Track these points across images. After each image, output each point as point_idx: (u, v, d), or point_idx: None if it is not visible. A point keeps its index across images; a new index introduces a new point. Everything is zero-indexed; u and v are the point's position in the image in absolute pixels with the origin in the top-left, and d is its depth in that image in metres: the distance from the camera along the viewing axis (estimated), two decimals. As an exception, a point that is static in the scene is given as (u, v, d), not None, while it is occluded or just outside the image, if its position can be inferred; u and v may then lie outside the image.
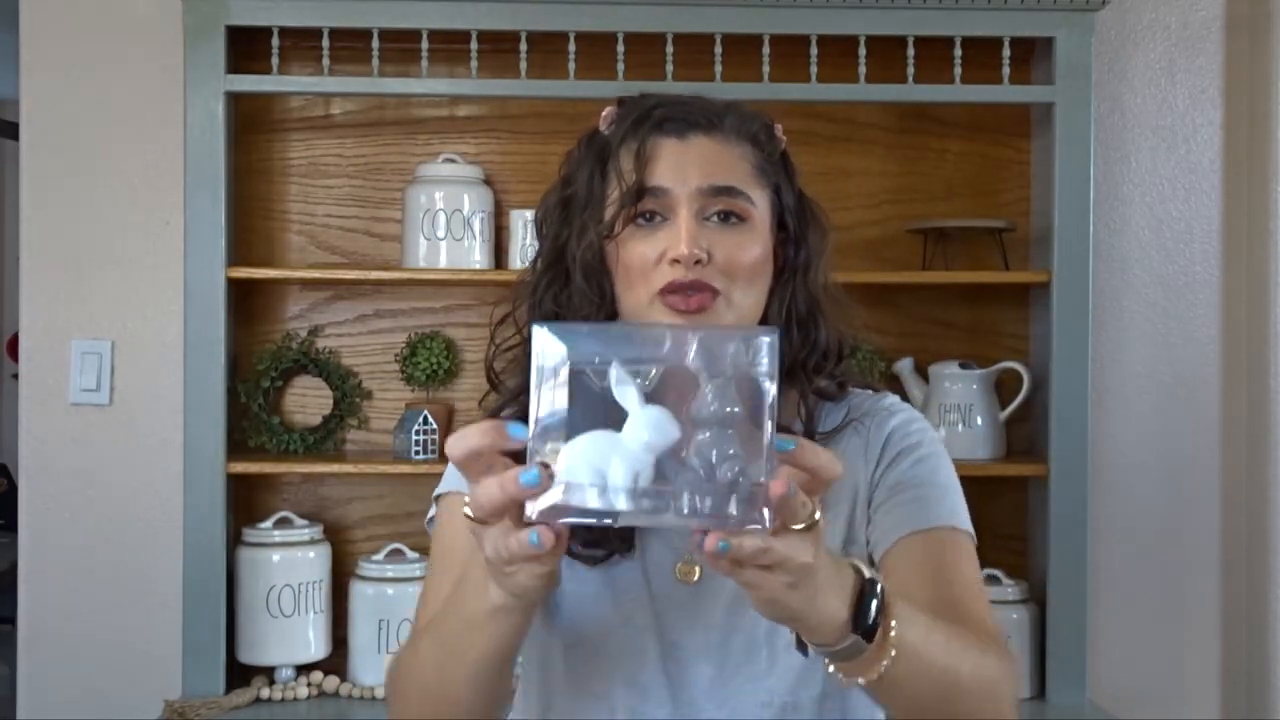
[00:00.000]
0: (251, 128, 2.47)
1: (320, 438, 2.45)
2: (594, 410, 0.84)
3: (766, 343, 0.83)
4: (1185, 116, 2.55)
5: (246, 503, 2.45)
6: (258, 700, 2.27)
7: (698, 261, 1.10)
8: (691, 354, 0.83)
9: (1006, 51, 2.32)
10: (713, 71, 2.27)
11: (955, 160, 2.55)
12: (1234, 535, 2.55)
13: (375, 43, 2.27)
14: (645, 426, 0.82)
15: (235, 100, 2.35)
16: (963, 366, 2.43)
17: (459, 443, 0.87)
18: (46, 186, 2.43)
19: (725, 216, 1.13)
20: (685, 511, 0.81)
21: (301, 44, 2.39)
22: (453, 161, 2.39)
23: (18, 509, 2.45)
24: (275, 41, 2.28)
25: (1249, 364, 2.54)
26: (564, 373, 0.83)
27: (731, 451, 0.82)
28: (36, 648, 2.43)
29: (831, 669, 0.94)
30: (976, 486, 2.22)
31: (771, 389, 0.82)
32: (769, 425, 0.82)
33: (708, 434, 0.82)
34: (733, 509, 0.81)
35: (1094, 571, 2.40)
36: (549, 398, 0.84)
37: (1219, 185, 2.56)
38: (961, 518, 1.17)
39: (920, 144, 2.54)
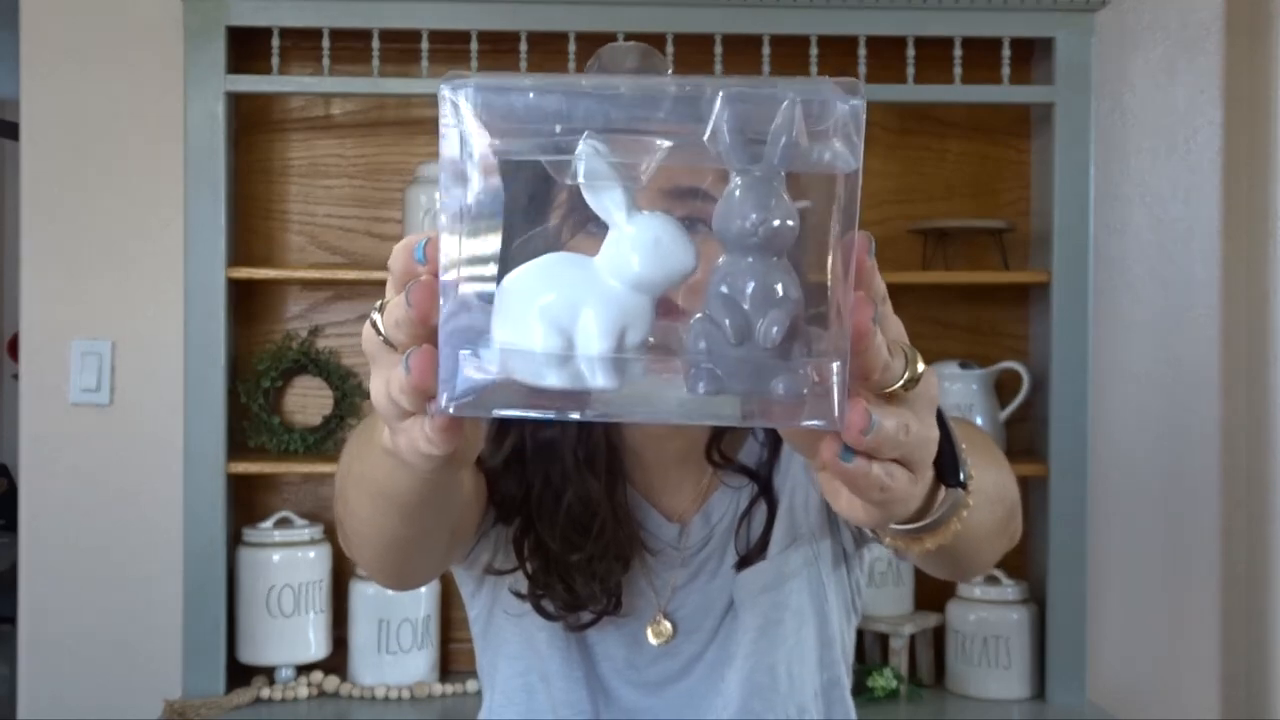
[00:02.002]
0: (251, 128, 2.47)
1: (320, 438, 2.45)
2: (546, 223, 0.55)
3: (848, 107, 0.52)
4: (1185, 117, 2.55)
5: (246, 503, 2.45)
6: (258, 700, 2.27)
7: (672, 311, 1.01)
8: (713, 124, 0.51)
9: (1006, 51, 2.32)
10: (713, 71, 2.27)
11: (955, 160, 2.55)
12: (1234, 535, 2.55)
13: (375, 43, 2.27)
14: (637, 249, 0.52)
15: (235, 100, 2.35)
16: (963, 366, 2.43)
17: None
18: (46, 186, 2.43)
19: (692, 224, 1.08)
20: (699, 393, 0.52)
21: (301, 44, 2.39)
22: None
23: (18, 509, 2.45)
24: (275, 42, 2.28)
25: (1249, 364, 2.54)
26: (492, 158, 0.52)
27: (780, 293, 0.52)
28: (36, 648, 2.43)
29: (888, 541, 0.76)
30: (976, 486, 2.23)
31: (856, 182, 0.53)
32: (851, 247, 0.52)
33: (740, 261, 0.52)
34: (780, 388, 0.51)
35: (1094, 571, 2.40)
36: (468, 213, 0.52)
37: (1219, 185, 2.56)
38: None
39: (920, 144, 2.54)
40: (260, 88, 2.33)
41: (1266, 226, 2.50)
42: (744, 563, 1.13)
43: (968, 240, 2.50)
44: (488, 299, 0.53)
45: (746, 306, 0.51)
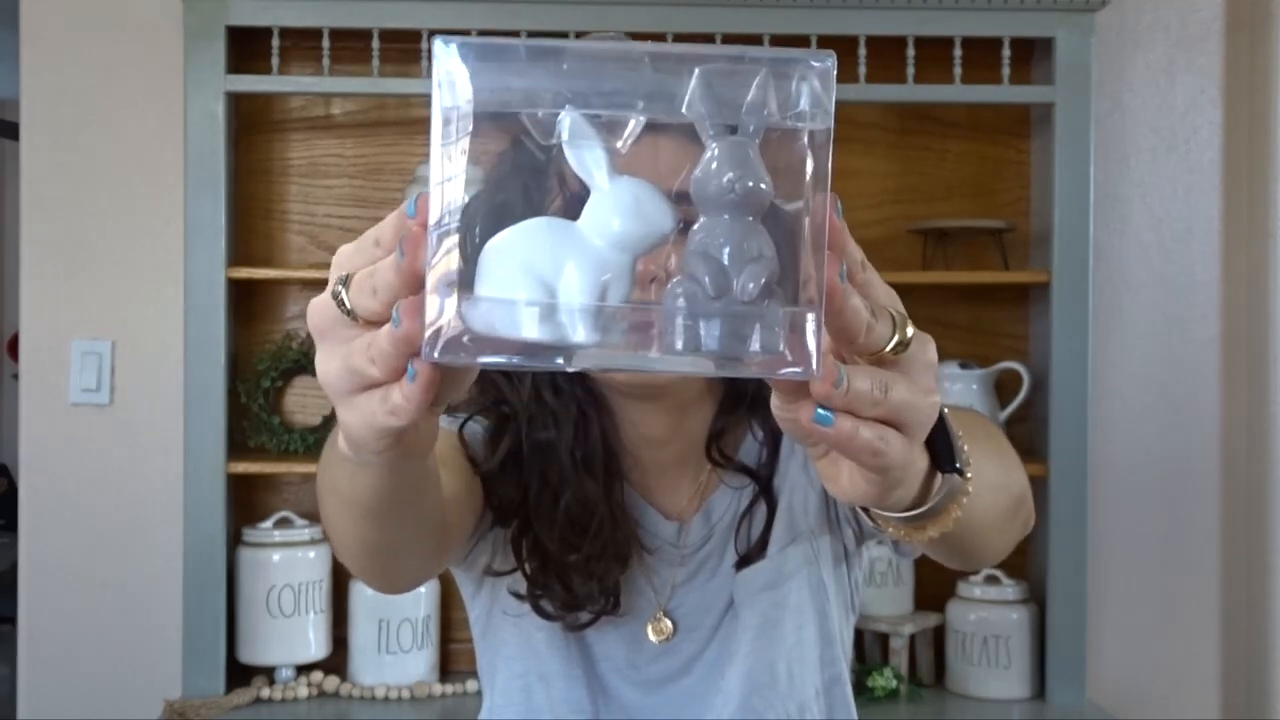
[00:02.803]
0: (251, 128, 2.47)
1: (320, 438, 2.44)
2: (532, 187, 0.57)
3: (818, 69, 0.54)
4: (1185, 116, 2.55)
5: (246, 503, 2.45)
6: (258, 700, 2.27)
7: (653, 280, 1.04)
8: (690, 95, 0.54)
9: (1006, 51, 2.32)
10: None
11: (955, 160, 2.55)
12: (1234, 535, 2.55)
13: (375, 43, 2.27)
14: (618, 209, 0.54)
15: (235, 100, 2.35)
16: (963, 367, 2.43)
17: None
18: (46, 186, 2.43)
19: (687, 228, 1.07)
20: (679, 347, 0.53)
21: (301, 44, 2.39)
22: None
23: (18, 509, 2.45)
24: (275, 41, 2.28)
25: (1249, 364, 2.54)
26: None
27: (756, 250, 0.53)
28: (36, 648, 2.43)
29: (890, 529, 0.76)
30: (976, 486, 2.23)
31: (826, 145, 0.54)
32: (823, 207, 0.54)
33: (718, 222, 0.54)
34: (756, 342, 0.53)
35: (1094, 571, 2.40)
36: (457, 167, 0.55)
37: (1219, 185, 2.56)
38: None
39: (920, 144, 2.54)
40: (260, 88, 2.33)
41: (1266, 226, 2.50)
42: (744, 561, 1.13)
43: (968, 240, 2.50)
44: (473, 254, 0.55)
45: (725, 263, 0.53)
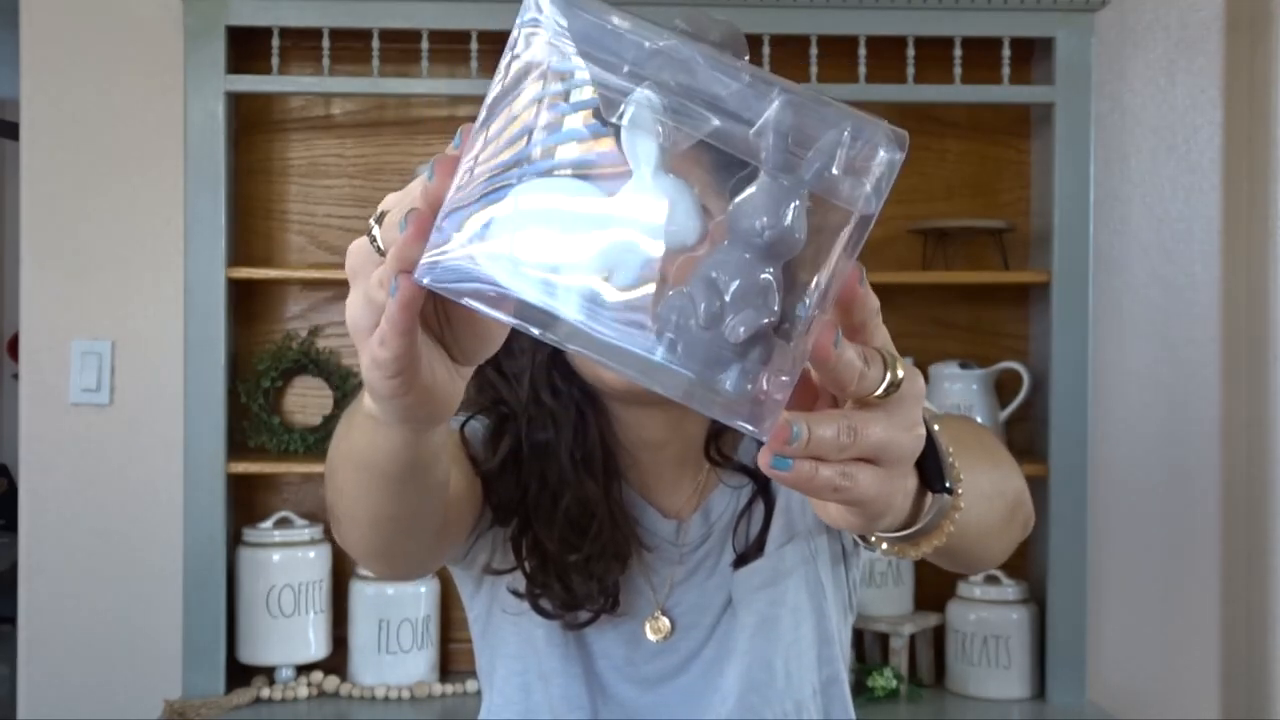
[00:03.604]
0: (251, 128, 2.47)
1: (320, 438, 2.44)
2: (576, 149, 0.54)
3: (887, 159, 0.53)
4: (1185, 116, 2.55)
5: (246, 503, 2.45)
6: (258, 700, 2.27)
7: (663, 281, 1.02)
8: (764, 120, 0.52)
9: (1006, 51, 2.32)
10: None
11: (955, 160, 2.55)
12: (1234, 535, 2.55)
13: (375, 43, 2.27)
14: (651, 205, 0.52)
15: (235, 100, 2.35)
16: (963, 367, 2.43)
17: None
18: (46, 186, 2.43)
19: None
20: (656, 357, 0.53)
21: (301, 44, 2.39)
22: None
23: (18, 509, 2.45)
24: (275, 42, 2.28)
25: (1249, 364, 2.54)
26: (556, 80, 0.52)
27: (761, 299, 0.52)
28: (36, 648, 2.43)
29: (884, 548, 0.75)
30: (976, 486, 2.23)
31: (868, 222, 0.54)
32: (832, 271, 0.53)
33: (737, 256, 0.52)
34: (727, 383, 0.53)
35: (1094, 571, 2.40)
36: (510, 116, 0.52)
37: (1219, 185, 2.56)
38: None
39: (920, 144, 2.54)
40: (260, 88, 2.33)
41: (1266, 226, 2.50)
42: (741, 560, 1.13)
43: (968, 240, 2.50)
44: (497, 197, 0.54)
45: (726, 298, 0.52)
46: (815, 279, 0.54)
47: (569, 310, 0.52)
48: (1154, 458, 2.54)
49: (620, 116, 0.52)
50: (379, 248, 0.59)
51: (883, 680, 2.29)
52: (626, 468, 1.14)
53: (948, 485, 0.72)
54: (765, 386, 0.54)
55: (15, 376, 4.34)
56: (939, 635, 2.44)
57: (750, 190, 0.53)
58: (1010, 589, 2.36)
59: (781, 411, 0.55)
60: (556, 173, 0.53)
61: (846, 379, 0.59)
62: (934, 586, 2.44)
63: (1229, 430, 2.55)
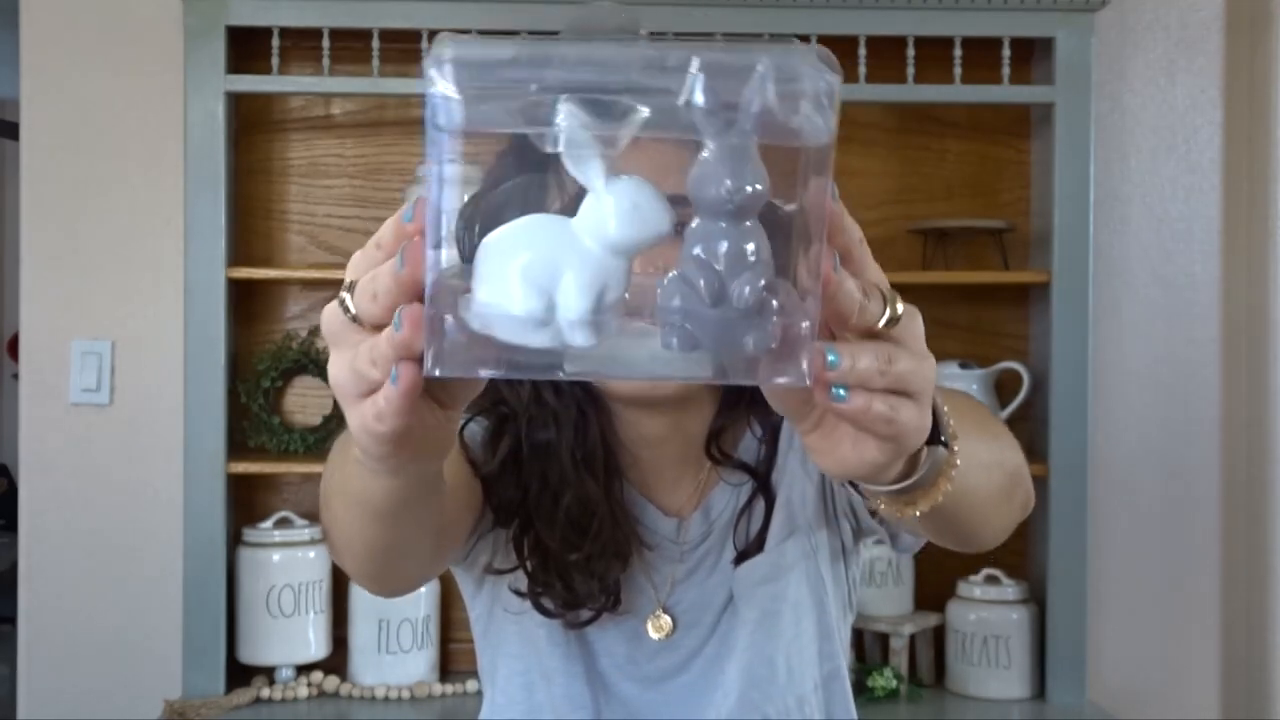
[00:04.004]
0: (251, 128, 2.47)
1: (320, 438, 2.44)
2: (532, 187, 0.57)
3: (825, 84, 0.52)
4: (1185, 116, 2.55)
5: (246, 503, 2.45)
6: (258, 700, 2.27)
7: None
8: (688, 89, 0.51)
9: (1006, 51, 2.32)
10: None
11: (955, 160, 2.55)
12: (1234, 535, 2.55)
13: (375, 43, 2.27)
14: (614, 213, 0.52)
15: (235, 100, 2.35)
16: (963, 366, 2.43)
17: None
18: (46, 186, 2.43)
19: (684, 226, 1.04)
20: (674, 346, 0.53)
21: (301, 44, 2.39)
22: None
23: (18, 509, 2.45)
24: (275, 42, 2.28)
25: (1249, 364, 2.54)
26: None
27: (753, 255, 0.53)
28: (36, 648, 2.43)
29: (883, 509, 0.78)
30: (976, 486, 2.23)
31: (829, 146, 0.53)
32: (819, 204, 0.53)
33: (714, 227, 0.53)
34: (751, 346, 0.53)
35: (1094, 571, 2.40)
36: (453, 176, 0.54)
37: (1219, 185, 2.56)
38: None
39: (920, 144, 2.54)
40: (260, 88, 2.33)
41: (1266, 226, 2.50)
42: (743, 557, 1.13)
43: (968, 240, 2.50)
44: (468, 261, 0.55)
45: (720, 268, 0.52)
46: (796, 219, 0.54)
47: (579, 340, 0.53)
48: (1154, 458, 2.54)
49: (555, 144, 0.52)
50: (353, 316, 0.61)
51: (883, 680, 2.29)
52: (627, 466, 1.15)
53: (943, 439, 0.73)
54: (787, 336, 0.54)
55: (15, 376, 4.34)
56: (939, 635, 2.43)
57: (701, 159, 0.53)
58: (1010, 589, 2.36)
59: (811, 355, 0.56)
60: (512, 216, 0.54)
61: (847, 310, 0.60)
62: (934, 586, 2.44)
63: (1229, 430, 2.55)
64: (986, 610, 2.36)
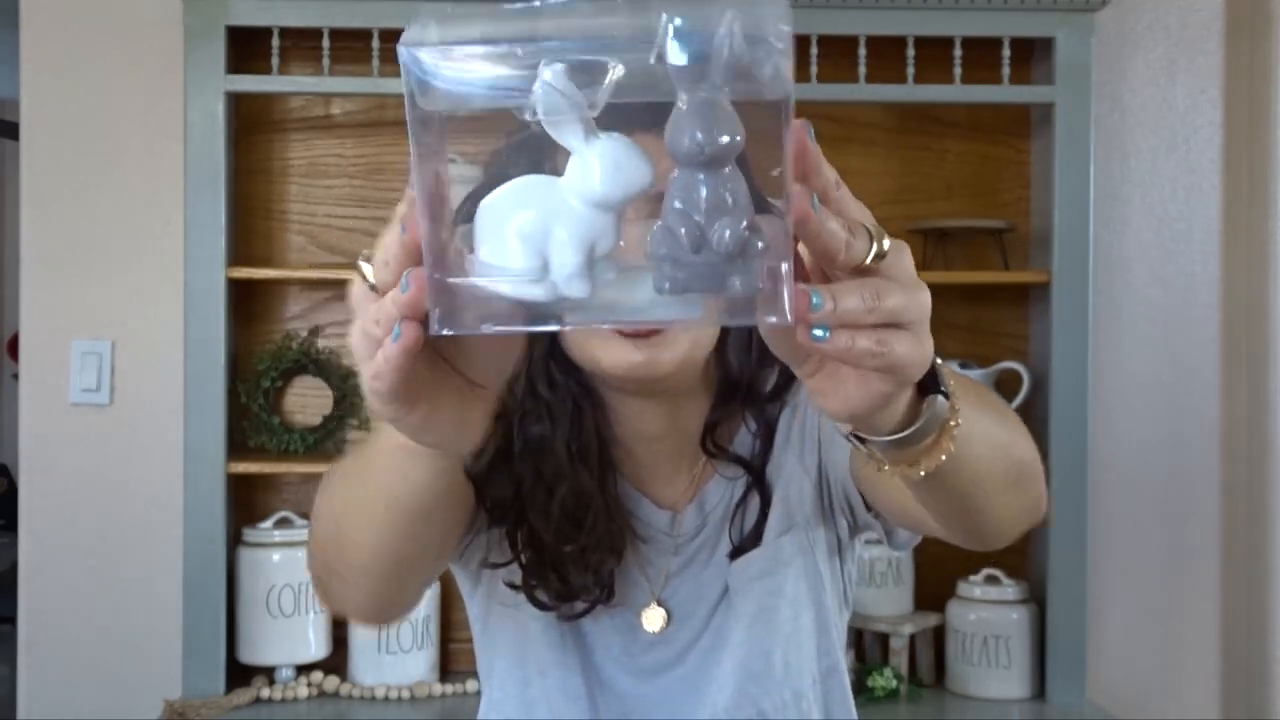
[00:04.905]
0: (251, 128, 2.47)
1: (320, 438, 2.45)
2: (524, 156, 0.59)
3: (773, 11, 0.54)
4: (1185, 116, 2.55)
5: (246, 503, 2.45)
6: (258, 700, 2.27)
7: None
8: (657, 48, 0.54)
9: (1006, 51, 2.32)
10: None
11: (955, 160, 2.55)
12: (1234, 535, 2.55)
13: (375, 43, 2.27)
14: (598, 171, 0.55)
15: (235, 100, 2.35)
16: (963, 366, 2.43)
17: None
18: (46, 186, 2.43)
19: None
20: (666, 288, 0.56)
21: (301, 44, 2.39)
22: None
23: (18, 509, 2.45)
24: (275, 42, 2.28)
25: (1249, 364, 2.54)
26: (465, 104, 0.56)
27: (730, 201, 0.55)
28: (36, 648, 2.43)
29: (888, 468, 0.77)
30: (976, 486, 2.24)
31: (788, 85, 0.56)
32: (787, 155, 0.56)
33: (691, 178, 0.55)
34: (738, 286, 0.56)
35: (1094, 571, 2.40)
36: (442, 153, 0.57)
37: (1219, 185, 2.56)
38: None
39: (920, 144, 2.54)
40: (260, 88, 2.33)
41: (1266, 226, 2.50)
42: (738, 551, 1.13)
43: (968, 240, 2.50)
44: (467, 225, 0.60)
45: (699, 218, 0.55)
46: (774, 167, 0.57)
47: (575, 291, 0.56)
48: (1154, 458, 2.54)
49: (534, 112, 0.55)
50: (371, 284, 0.66)
51: (883, 680, 2.29)
52: (621, 460, 1.15)
53: (942, 389, 0.73)
54: (771, 277, 0.57)
55: (15, 376, 4.34)
56: (939, 635, 2.44)
57: (675, 112, 0.55)
58: (1010, 589, 2.36)
59: (792, 293, 0.58)
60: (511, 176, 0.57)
61: (834, 247, 0.61)
62: (934, 586, 2.44)
63: (1229, 430, 2.55)
64: (986, 610, 2.36)
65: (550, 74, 0.54)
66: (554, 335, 1.01)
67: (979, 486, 0.85)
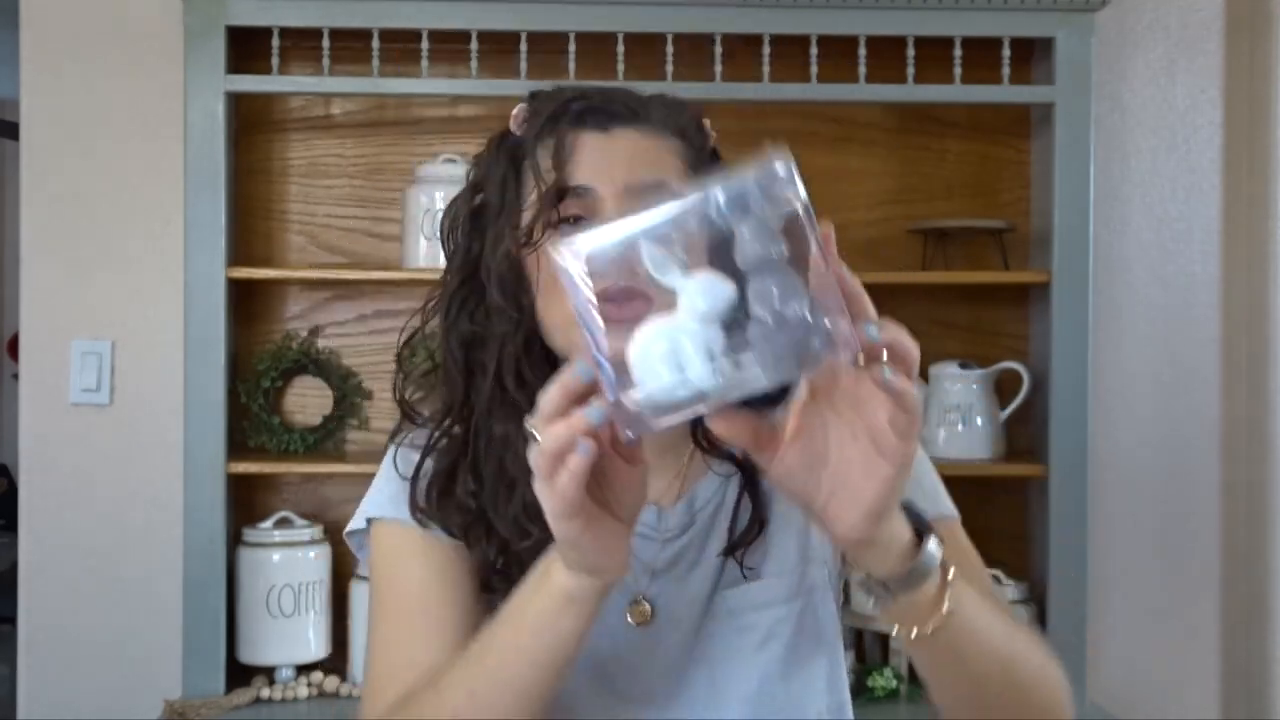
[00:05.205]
0: (251, 128, 2.47)
1: (320, 438, 2.45)
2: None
3: (779, 164, 0.77)
4: (1185, 116, 2.55)
5: (246, 503, 2.45)
6: (258, 700, 2.27)
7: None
8: (715, 206, 0.76)
9: (1006, 51, 2.32)
10: (713, 71, 2.27)
11: (955, 160, 2.55)
12: (1234, 535, 2.55)
13: (375, 43, 2.27)
14: (697, 294, 0.76)
15: (235, 100, 2.35)
16: (963, 367, 2.43)
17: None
18: (46, 186, 2.43)
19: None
20: (770, 365, 0.76)
21: (301, 44, 2.39)
22: (453, 162, 2.39)
23: (18, 509, 2.45)
24: (275, 42, 2.28)
25: (1249, 364, 2.54)
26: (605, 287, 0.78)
27: (792, 287, 0.75)
28: (36, 648, 2.43)
29: (896, 629, 0.90)
30: (976, 487, 2.23)
31: (804, 204, 0.76)
32: (813, 242, 0.76)
33: (760, 279, 0.75)
34: (817, 344, 0.76)
35: (1094, 571, 2.40)
36: (596, 319, 0.78)
37: (1219, 185, 2.56)
38: (949, 504, 1.15)
39: (920, 144, 2.54)
40: (260, 88, 2.33)
41: (1266, 226, 2.50)
42: (730, 550, 1.12)
43: (968, 240, 2.50)
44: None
45: (776, 305, 0.75)
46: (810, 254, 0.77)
47: (708, 381, 0.75)
48: (1154, 458, 2.54)
49: (645, 265, 0.77)
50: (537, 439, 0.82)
51: (883, 680, 2.29)
52: None
53: (931, 534, 0.88)
54: (833, 328, 0.76)
55: (15, 376, 4.34)
56: (939, 635, 2.43)
57: (739, 240, 0.76)
58: (1010, 589, 2.36)
59: (850, 327, 0.77)
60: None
61: (866, 306, 0.78)
62: (934, 586, 2.43)
63: (1229, 430, 2.55)
64: (986, 610, 2.36)
65: (648, 247, 0.77)
66: (528, 335, 1.08)
67: (980, 660, 0.93)
